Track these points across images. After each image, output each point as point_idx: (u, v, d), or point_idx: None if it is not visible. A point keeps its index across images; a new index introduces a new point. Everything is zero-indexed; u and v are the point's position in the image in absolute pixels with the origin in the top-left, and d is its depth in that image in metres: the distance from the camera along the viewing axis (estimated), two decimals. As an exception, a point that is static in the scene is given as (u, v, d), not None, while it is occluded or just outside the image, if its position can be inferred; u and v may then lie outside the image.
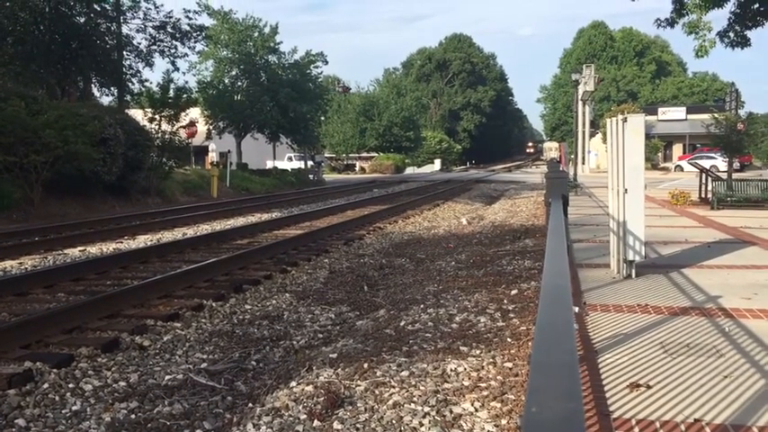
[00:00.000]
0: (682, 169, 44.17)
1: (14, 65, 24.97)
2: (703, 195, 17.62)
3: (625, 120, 7.17)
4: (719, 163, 33.79)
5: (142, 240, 12.89)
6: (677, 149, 57.67)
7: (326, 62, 41.83)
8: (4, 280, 8.46)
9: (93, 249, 11.66)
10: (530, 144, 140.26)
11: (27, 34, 24.59)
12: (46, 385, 4.82)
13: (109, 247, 11.90)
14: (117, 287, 7.98)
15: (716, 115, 20.23)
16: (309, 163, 45.01)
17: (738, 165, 34.18)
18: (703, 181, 17.97)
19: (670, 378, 4.05)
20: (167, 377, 5.13)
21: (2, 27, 24.21)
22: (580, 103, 42.36)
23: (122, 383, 4.99)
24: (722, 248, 9.30)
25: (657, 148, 54.08)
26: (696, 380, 4.01)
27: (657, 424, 3.39)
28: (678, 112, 60.73)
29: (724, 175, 18.27)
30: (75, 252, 11.33)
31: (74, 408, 4.53)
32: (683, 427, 3.34)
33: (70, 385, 4.88)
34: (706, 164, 25.69)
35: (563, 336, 1.22)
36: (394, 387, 4.25)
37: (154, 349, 5.81)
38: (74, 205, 19.22)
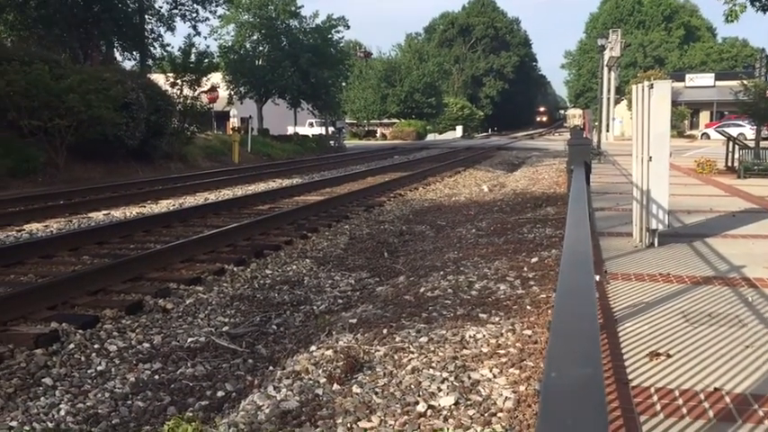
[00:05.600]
0: (708, 137, 43.40)
1: (37, 28, 25.09)
2: (730, 164, 17.33)
3: (651, 86, 7.03)
4: (747, 131, 33.15)
5: (165, 205, 13.00)
6: (704, 117, 56.64)
7: (348, 27, 41.41)
8: (30, 242, 8.61)
9: (117, 213, 11.79)
10: (541, 109, 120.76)
11: (50, -2, 24.63)
12: (72, 346, 4.92)
13: (132, 212, 12.03)
14: (140, 251, 8.09)
15: (745, 82, 19.77)
16: (330, 129, 44.90)
17: (767, 133, 33.54)
18: (730, 149, 17.66)
19: (691, 347, 4.03)
20: (190, 339, 5.21)
21: (25, -10, 24.28)
22: (605, 69, 41.67)
23: (146, 345, 5.09)
24: (747, 218, 9.17)
25: (684, 115, 53.15)
26: (717, 349, 3.99)
27: (677, 392, 3.38)
28: (706, 79, 59.51)
29: (751, 144, 17.91)
30: (99, 216, 11.47)
31: (99, 368, 4.62)
32: (702, 396, 3.33)
33: (95, 346, 4.98)
34: (733, 132, 25.21)
35: (583, 302, 1.21)
36: (413, 353, 4.28)
37: (177, 312, 5.90)
38: (97, 169, 19.40)
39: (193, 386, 4.38)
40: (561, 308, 1.24)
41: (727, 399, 3.30)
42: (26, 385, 4.30)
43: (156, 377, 4.51)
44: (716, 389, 3.41)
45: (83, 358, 4.77)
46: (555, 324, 1.12)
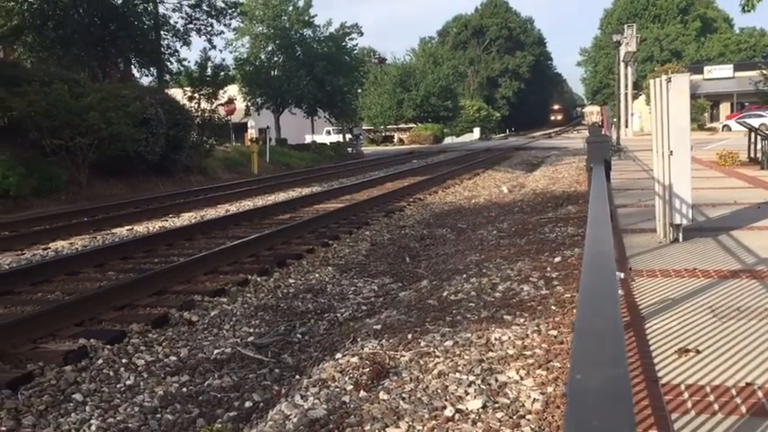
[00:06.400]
0: (729, 129, 42.80)
1: (56, 49, 25.45)
2: (752, 155, 17.08)
3: (669, 80, 6.97)
4: (769, 121, 32.67)
5: (187, 218, 13.11)
6: (724, 109, 55.95)
7: (362, 33, 41.74)
8: (56, 260, 8.72)
9: (140, 228, 11.91)
10: (555, 107, 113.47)
11: (67, 18, 25.00)
12: (100, 361, 4.97)
13: (155, 226, 12.14)
14: (164, 264, 8.16)
15: (764, 71, 19.53)
16: (348, 136, 45.02)
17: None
18: (752, 140, 17.41)
19: (720, 342, 3.97)
20: (216, 351, 5.24)
21: (42, 12, 24.65)
22: (622, 64, 41.35)
23: (173, 358, 5.13)
24: (773, 209, 9.03)
25: (704, 108, 52.51)
26: (747, 344, 3.93)
27: (708, 389, 3.34)
28: (725, 70, 58.81)
29: (774, 134, 17.64)
30: (122, 231, 11.60)
31: (128, 382, 4.67)
32: (734, 392, 3.28)
33: (123, 360, 5.03)
34: (755, 122, 24.85)
35: (607, 302, 1.20)
36: (438, 357, 4.27)
37: (202, 324, 5.94)
38: (119, 186, 19.63)
39: (221, 397, 4.41)
40: (584, 309, 1.24)
41: (760, 393, 3.25)
42: (57, 402, 4.35)
43: (184, 389, 4.55)
44: (747, 384, 3.36)
45: (111, 373, 4.81)
46: (578, 325, 1.11)
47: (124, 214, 13.47)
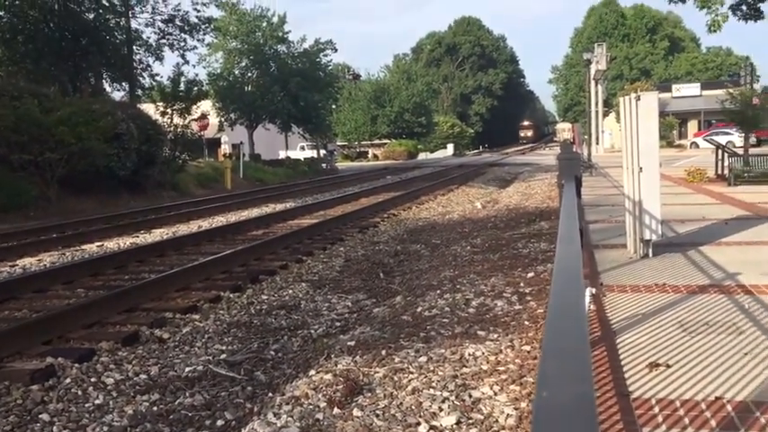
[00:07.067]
0: (697, 146, 43.63)
1: (26, 63, 25.17)
2: (720, 172, 17.41)
3: (638, 98, 7.09)
4: (736, 139, 33.33)
5: (158, 234, 12.96)
6: (692, 126, 57.03)
7: (336, 50, 41.89)
8: (23, 277, 8.55)
9: (111, 244, 11.75)
10: (525, 123, 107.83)
11: (37, 32, 24.76)
12: (68, 380, 4.88)
13: (126, 242, 11.99)
14: (135, 281, 8.05)
15: (731, 90, 19.96)
16: (322, 152, 45.02)
17: (755, 140, 33.70)
18: (719, 157, 17.75)
19: (690, 357, 4.02)
20: (187, 369, 5.17)
21: (12, 26, 24.40)
22: (593, 82, 42.01)
23: (143, 376, 5.05)
24: (740, 225, 9.20)
25: (672, 125, 53.47)
26: (716, 358, 3.98)
27: (678, 403, 3.37)
28: (692, 89, 60.03)
29: (740, 151, 18.02)
30: (92, 247, 11.43)
31: (96, 402, 4.58)
32: (703, 406, 3.32)
33: (92, 379, 4.94)
34: (722, 140, 25.34)
35: (574, 319, 1.21)
36: (412, 373, 4.26)
37: (173, 342, 5.86)
38: (90, 201, 19.36)
39: (192, 416, 4.35)
40: (552, 326, 1.25)
41: (729, 407, 3.29)
42: (23, 422, 4.26)
43: (155, 408, 4.47)
44: (717, 398, 3.41)
45: (80, 392, 4.72)
46: (545, 343, 1.12)
47: (94, 230, 13.27)
